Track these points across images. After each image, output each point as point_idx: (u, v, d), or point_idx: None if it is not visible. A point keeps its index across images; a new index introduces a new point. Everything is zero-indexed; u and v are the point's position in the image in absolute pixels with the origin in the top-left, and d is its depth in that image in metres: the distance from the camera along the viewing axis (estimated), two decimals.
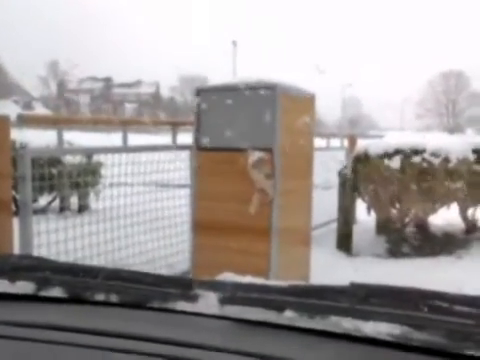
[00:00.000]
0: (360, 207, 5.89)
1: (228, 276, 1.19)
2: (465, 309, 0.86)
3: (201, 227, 3.84)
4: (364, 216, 5.70)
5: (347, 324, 0.87)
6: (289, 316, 0.91)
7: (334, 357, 0.84)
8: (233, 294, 0.97)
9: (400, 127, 47.84)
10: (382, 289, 0.93)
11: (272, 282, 1.12)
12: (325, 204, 5.59)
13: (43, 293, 1.05)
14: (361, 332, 0.86)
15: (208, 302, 0.97)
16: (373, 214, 5.59)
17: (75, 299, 1.04)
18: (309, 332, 0.89)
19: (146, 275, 1.10)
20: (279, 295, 0.96)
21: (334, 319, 0.88)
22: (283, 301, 0.94)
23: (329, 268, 4.41)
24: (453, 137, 6.84)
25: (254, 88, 3.61)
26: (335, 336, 0.87)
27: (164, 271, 4.05)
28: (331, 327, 0.88)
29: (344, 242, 5.47)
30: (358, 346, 0.86)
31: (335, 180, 5.75)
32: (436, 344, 0.82)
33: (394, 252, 5.25)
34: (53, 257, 3.27)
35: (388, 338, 0.84)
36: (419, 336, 0.83)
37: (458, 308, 0.86)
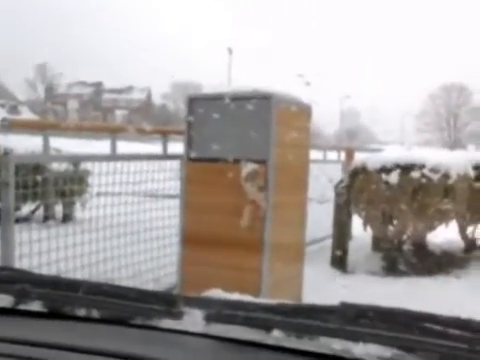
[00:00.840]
0: (356, 222, 5.75)
1: (215, 293, 1.16)
2: (458, 332, 0.83)
3: (190, 240, 3.73)
4: (360, 232, 5.57)
5: (336, 345, 0.85)
6: (276, 336, 0.89)
7: None
8: (219, 312, 0.95)
9: (400, 141, 47.86)
10: (373, 309, 0.90)
11: (260, 300, 1.10)
12: (320, 219, 5.48)
13: (22, 307, 1.03)
14: (350, 354, 0.84)
15: (193, 320, 0.94)
16: (369, 230, 5.45)
17: (55, 314, 1.01)
18: (297, 353, 0.87)
19: (129, 290, 1.06)
20: (266, 314, 0.94)
21: (323, 340, 0.86)
22: (270, 320, 0.92)
23: (322, 286, 4.29)
24: (453, 152, 6.72)
25: (249, 98, 3.51)
26: (324, 357, 0.85)
27: (150, 285, 3.92)
28: (320, 348, 0.86)
29: (339, 259, 5.33)
30: None
31: (331, 194, 5.63)
32: None
33: (390, 270, 5.10)
34: (35, 268, 3.19)
35: None
36: (410, 359, 0.81)
37: (451, 331, 0.83)
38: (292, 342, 0.88)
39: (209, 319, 0.94)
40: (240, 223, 3.45)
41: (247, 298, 1.11)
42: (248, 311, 0.95)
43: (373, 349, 0.83)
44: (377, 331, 0.85)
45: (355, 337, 0.85)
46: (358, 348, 0.84)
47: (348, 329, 0.86)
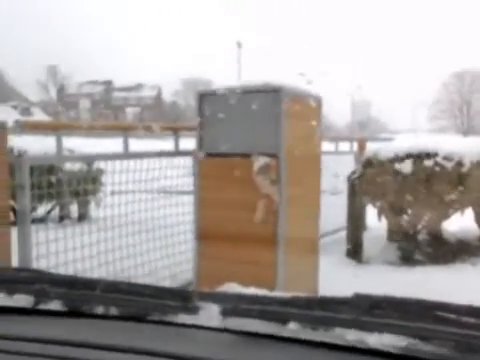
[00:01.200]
0: (370, 213, 5.72)
1: (231, 287, 1.18)
2: (471, 320, 0.84)
3: (205, 236, 3.73)
4: (375, 222, 5.54)
5: (351, 336, 0.86)
6: (292, 328, 0.90)
7: None
8: (235, 306, 0.96)
9: (412, 129, 47.39)
10: (386, 300, 0.91)
11: (275, 293, 1.11)
12: (334, 210, 5.46)
13: (41, 306, 1.04)
14: (365, 344, 0.85)
15: (209, 314, 0.95)
16: (384, 220, 5.42)
17: (74, 312, 1.03)
18: (312, 344, 0.88)
19: (146, 287, 1.08)
20: (282, 307, 0.95)
21: (338, 331, 0.87)
22: (286, 313, 0.93)
23: (338, 277, 4.27)
24: (466, 140, 6.65)
25: (258, 92, 3.50)
26: (339, 348, 0.86)
27: (167, 282, 3.94)
28: (335, 339, 0.87)
29: (354, 250, 5.31)
30: (362, 358, 0.84)
31: (344, 185, 5.61)
32: (442, 356, 0.80)
33: (406, 259, 5.08)
34: (52, 268, 3.20)
35: (393, 350, 0.83)
36: (425, 348, 0.81)
37: (464, 319, 0.84)
38: (308, 334, 0.89)
39: (225, 313, 0.95)
40: (254, 218, 3.46)
41: (262, 292, 1.11)
42: (264, 305, 0.96)
43: (387, 339, 0.84)
44: (391, 321, 0.86)
45: (369, 327, 0.86)
46: (373, 338, 0.84)
47: (362, 320, 0.87)
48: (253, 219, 3.45)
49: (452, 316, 0.85)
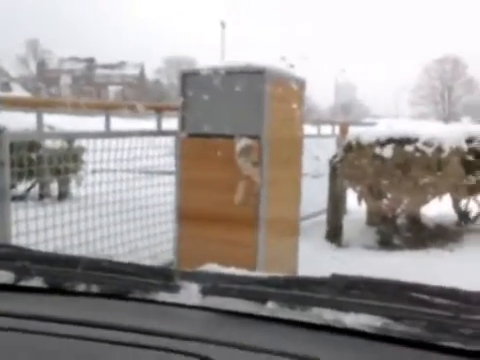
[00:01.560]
0: (351, 197, 5.77)
1: (211, 267, 1.17)
2: (444, 301, 0.86)
3: (186, 216, 3.74)
4: (355, 206, 5.60)
5: (328, 315, 0.88)
6: (270, 307, 0.92)
7: (315, 348, 0.84)
8: (215, 285, 0.97)
9: (395, 115, 47.67)
10: (362, 280, 0.93)
11: (254, 273, 1.13)
12: (315, 193, 5.49)
13: (22, 283, 1.05)
14: (341, 323, 0.87)
15: (190, 293, 0.97)
16: (364, 204, 5.48)
17: (55, 289, 1.03)
18: (290, 323, 0.90)
19: (127, 265, 1.08)
20: (260, 286, 0.97)
21: (315, 310, 0.90)
22: (264, 292, 0.95)
23: (318, 259, 4.31)
24: (447, 126, 6.72)
25: (242, 73, 3.49)
26: (316, 327, 0.88)
27: (147, 262, 3.93)
28: (312, 318, 0.89)
29: (334, 233, 5.37)
30: (338, 337, 0.86)
31: (325, 169, 5.64)
32: (415, 335, 0.83)
33: (385, 243, 5.15)
34: (32, 246, 3.18)
35: (368, 329, 0.85)
36: (398, 328, 0.84)
37: (436, 300, 0.87)
38: (285, 313, 0.91)
39: (205, 292, 0.96)
40: (234, 199, 3.47)
41: (242, 272, 1.13)
42: (243, 284, 0.98)
43: (363, 319, 0.86)
44: (367, 301, 0.88)
45: (346, 307, 0.88)
46: (349, 318, 0.87)
47: (339, 300, 0.89)
48: (234, 200, 3.46)
49: (425, 297, 0.87)
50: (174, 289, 0.98)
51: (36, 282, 1.04)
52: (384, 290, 0.91)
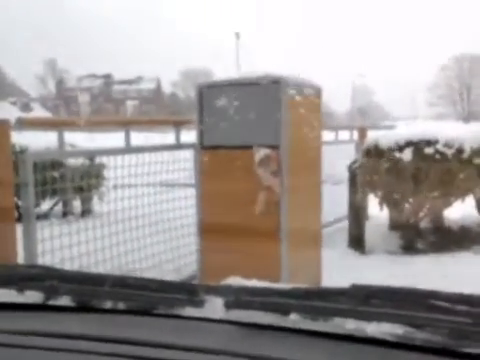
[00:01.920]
0: (372, 202, 5.73)
1: (234, 280, 1.20)
2: (463, 308, 0.87)
3: (207, 229, 3.75)
4: (376, 211, 5.55)
5: (350, 325, 0.89)
6: (293, 319, 0.93)
7: (338, 358, 0.86)
8: (237, 298, 0.99)
9: (413, 116, 47.20)
10: (382, 290, 0.95)
11: (275, 285, 1.15)
12: (335, 200, 5.46)
13: (51, 302, 1.07)
14: (364, 333, 0.88)
15: (213, 307, 0.99)
16: (386, 209, 5.43)
17: (83, 307, 1.06)
18: (313, 334, 0.90)
19: (152, 281, 1.11)
20: (282, 298, 0.98)
21: (337, 320, 0.90)
22: (287, 304, 0.96)
23: (341, 268, 4.28)
24: (466, 126, 6.64)
25: (258, 83, 3.50)
26: (338, 337, 0.89)
27: (171, 275, 3.95)
28: (334, 328, 0.90)
29: (356, 240, 5.33)
30: (361, 346, 0.87)
31: (345, 175, 5.61)
32: (436, 343, 0.84)
33: (408, 248, 5.10)
34: (58, 264, 3.22)
35: (390, 338, 0.86)
36: (420, 335, 0.85)
37: (456, 307, 0.87)
38: (308, 324, 0.92)
39: (228, 306, 0.98)
40: (255, 209, 3.47)
41: (264, 284, 1.15)
42: (265, 296, 0.99)
43: (385, 327, 0.87)
44: (387, 310, 0.89)
45: (367, 317, 0.89)
46: (371, 327, 0.88)
47: (360, 309, 0.90)
48: (255, 211, 3.46)
49: (444, 304, 0.88)
50: (198, 304, 1.00)
51: (64, 301, 1.06)
52: (404, 299, 0.92)
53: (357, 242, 5.31)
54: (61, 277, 1.14)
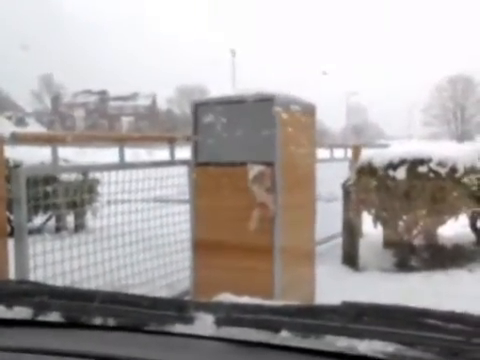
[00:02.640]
0: (366, 220, 5.74)
1: (225, 297, 1.18)
2: (455, 326, 0.87)
3: (201, 245, 3.74)
4: (370, 229, 5.56)
5: (341, 343, 0.89)
6: (283, 336, 0.92)
7: None
8: (228, 315, 0.99)
9: (407, 135, 47.51)
10: (373, 307, 0.95)
11: (266, 302, 1.14)
12: (329, 218, 5.46)
13: (41, 318, 1.06)
14: (355, 350, 0.87)
15: (204, 324, 0.98)
16: (379, 227, 5.44)
17: (72, 323, 1.05)
18: (304, 352, 0.90)
19: (143, 298, 1.10)
20: (273, 315, 0.98)
21: (328, 338, 0.90)
22: (278, 321, 0.95)
23: (335, 285, 4.27)
24: (459, 145, 6.69)
25: (252, 100, 3.52)
26: (330, 355, 0.88)
27: (164, 291, 3.93)
28: (325, 346, 0.89)
29: (350, 257, 5.33)
30: None
31: (339, 192, 5.62)
32: None
33: (402, 266, 5.10)
34: (49, 279, 3.19)
35: (382, 356, 0.85)
36: (411, 353, 0.85)
37: (448, 325, 0.88)
38: (299, 341, 0.91)
39: (219, 323, 0.97)
40: (249, 226, 3.47)
41: (255, 301, 1.14)
42: (256, 313, 0.99)
43: (376, 345, 0.86)
44: (379, 328, 0.89)
45: (358, 334, 0.88)
46: (362, 345, 0.87)
47: (351, 327, 0.90)
48: (249, 227, 3.46)
49: (436, 322, 0.88)
50: (189, 320, 0.99)
51: (54, 317, 1.06)
52: (396, 316, 0.92)
53: (351, 259, 5.31)
54: (51, 293, 1.14)
